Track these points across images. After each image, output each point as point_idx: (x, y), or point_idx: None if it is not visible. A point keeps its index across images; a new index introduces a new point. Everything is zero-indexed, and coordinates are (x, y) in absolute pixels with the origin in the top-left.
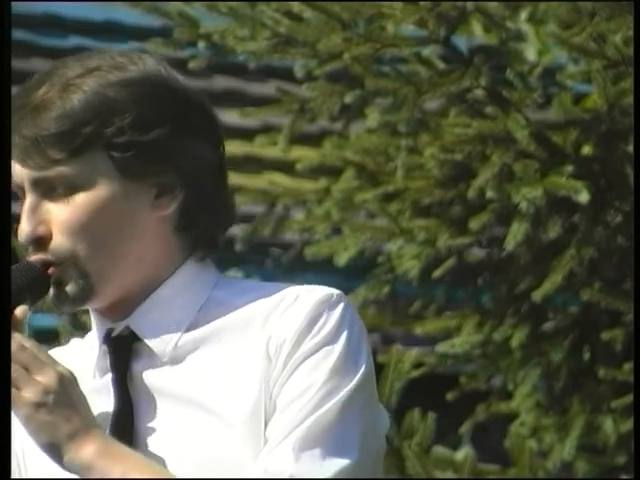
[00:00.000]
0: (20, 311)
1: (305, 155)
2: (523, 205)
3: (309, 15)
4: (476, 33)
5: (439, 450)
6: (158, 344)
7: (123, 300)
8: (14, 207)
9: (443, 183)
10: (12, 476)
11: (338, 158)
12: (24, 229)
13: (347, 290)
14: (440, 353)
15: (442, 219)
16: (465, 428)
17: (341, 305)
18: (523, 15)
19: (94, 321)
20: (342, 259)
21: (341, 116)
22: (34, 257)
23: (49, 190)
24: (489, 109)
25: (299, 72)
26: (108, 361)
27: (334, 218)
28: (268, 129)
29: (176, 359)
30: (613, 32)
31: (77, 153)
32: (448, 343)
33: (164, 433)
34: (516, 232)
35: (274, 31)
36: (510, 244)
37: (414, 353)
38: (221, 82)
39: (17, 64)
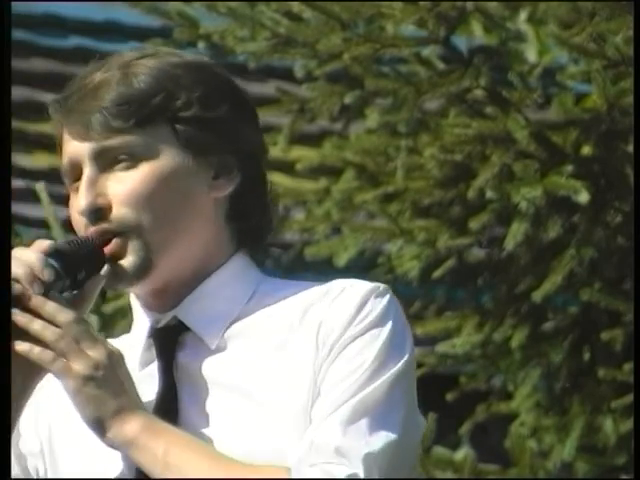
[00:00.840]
0: (92, 283)
1: (305, 155)
2: (523, 205)
3: (309, 15)
4: (476, 33)
5: (439, 450)
6: (206, 334)
7: (171, 287)
8: (14, 207)
9: (443, 183)
10: (32, 463)
11: (338, 158)
12: (83, 201)
13: None
14: (440, 353)
15: (442, 219)
16: (465, 428)
17: (387, 295)
18: (523, 15)
19: (138, 316)
20: (342, 259)
21: (341, 116)
22: (92, 229)
23: (110, 162)
24: (489, 109)
25: (299, 72)
26: (153, 352)
27: (334, 218)
28: (268, 129)
29: (223, 349)
30: (613, 32)
31: (142, 124)
32: (448, 343)
33: (210, 421)
34: (516, 232)
35: (274, 31)
36: (510, 244)
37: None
38: None
39: (17, 64)
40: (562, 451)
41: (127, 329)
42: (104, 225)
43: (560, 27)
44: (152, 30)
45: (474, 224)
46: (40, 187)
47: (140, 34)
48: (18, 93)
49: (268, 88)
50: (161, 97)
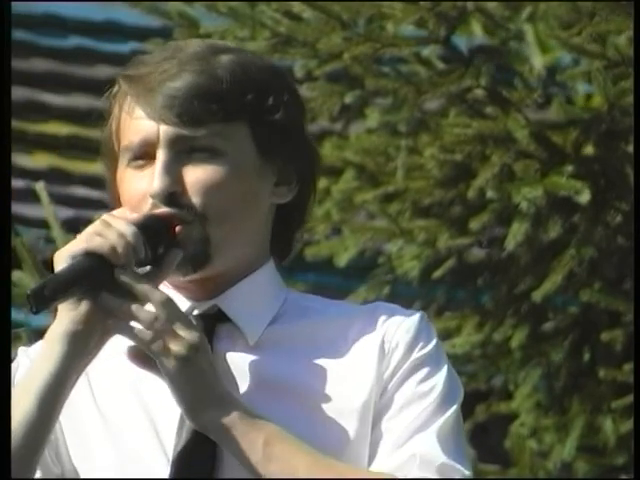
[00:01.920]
0: (170, 258)
1: None
2: (523, 205)
3: (309, 15)
4: (476, 33)
5: None
6: (247, 328)
7: (216, 279)
8: (14, 207)
9: (443, 183)
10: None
11: (338, 158)
12: (159, 184)
13: (347, 291)
14: None
15: (442, 219)
16: (465, 428)
17: (430, 324)
18: (523, 15)
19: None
20: (342, 260)
21: (341, 116)
22: (162, 210)
23: (187, 150)
24: (489, 109)
25: (299, 72)
26: None
27: (334, 218)
28: None
29: (263, 345)
30: (613, 32)
31: (226, 119)
32: (448, 343)
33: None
34: (516, 232)
35: (274, 31)
36: (510, 244)
37: None
38: None
39: (17, 64)
40: (562, 451)
41: None
42: (175, 211)
43: (560, 27)
44: (152, 30)
45: (474, 224)
46: (40, 187)
47: (140, 34)
48: (18, 93)
49: None
50: (251, 96)
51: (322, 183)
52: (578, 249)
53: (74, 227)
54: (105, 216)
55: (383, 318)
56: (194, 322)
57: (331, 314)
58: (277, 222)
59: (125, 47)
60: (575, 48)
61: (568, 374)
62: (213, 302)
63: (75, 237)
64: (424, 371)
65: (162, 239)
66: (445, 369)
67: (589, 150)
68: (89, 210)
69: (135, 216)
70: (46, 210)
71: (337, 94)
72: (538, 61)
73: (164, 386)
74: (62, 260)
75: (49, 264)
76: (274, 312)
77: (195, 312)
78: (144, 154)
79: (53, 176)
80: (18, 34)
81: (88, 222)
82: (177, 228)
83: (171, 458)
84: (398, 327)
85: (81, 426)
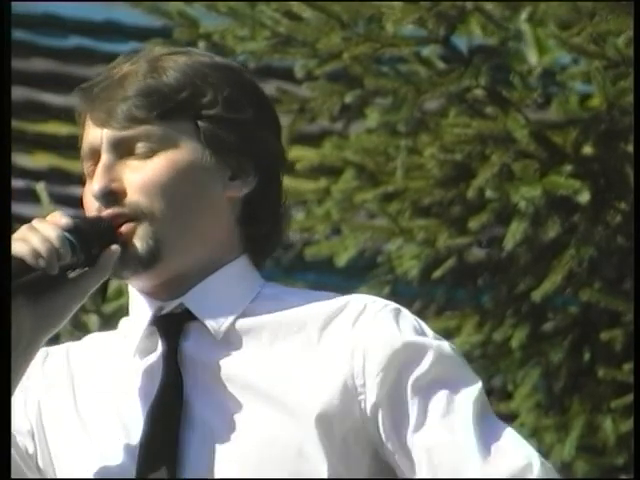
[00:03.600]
0: (106, 257)
1: (305, 155)
2: (522, 205)
3: (309, 15)
4: (476, 33)
5: None
6: (213, 324)
7: (177, 279)
8: (14, 207)
9: (443, 183)
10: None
11: (338, 158)
12: (97, 185)
13: (347, 290)
14: None
15: (442, 219)
16: None
17: (400, 314)
18: (523, 15)
19: (137, 303)
20: (342, 259)
21: (341, 116)
22: (107, 212)
23: (128, 151)
24: (489, 109)
25: (299, 72)
26: (154, 341)
27: (334, 218)
28: None
29: (229, 342)
30: (613, 32)
31: (165, 117)
32: None
33: (217, 414)
34: (515, 232)
35: (274, 31)
36: (509, 244)
37: None
38: None
39: (17, 64)
40: (562, 451)
41: None
42: (118, 210)
43: (560, 27)
44: (152, 30)
45: (474, 224)
46: (40, 187)
47: (140, 34)
48: (18, 93)
49: (268, 88)
50: (187, 93)
51: (322, 183)
52: (578, 249)
53: None
54: (34, 221)
55: (354, 314)
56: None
57: (304, 305)
58: (244, 218)
59: (125, 47)
60: (575, 48)
61: (568, 374)
62: (179, 301)
63: None
64: (428, 373)
65: (98, 240)
66: (443, 354)
67: (588, 150)
68: None
69: (66, 220)
70: (46, 210)
71: (337, 94)
72: (537, 61)
73: (137, 396)
74: None
75: None
76: (243, 306)
77: (163, 312)
78: (95, 161)
79: (53, 176)
80: (18, 34)
81: None
82: (123, 227)
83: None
84: (374, 334)
85: (62, 432)
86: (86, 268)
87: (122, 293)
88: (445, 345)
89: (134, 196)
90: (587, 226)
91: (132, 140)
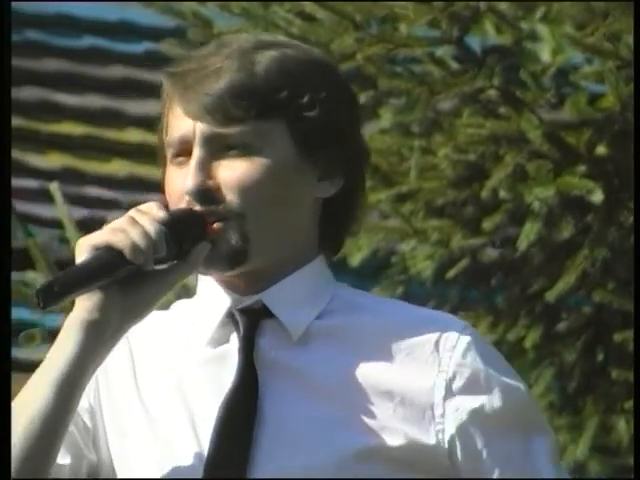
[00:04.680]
0: (197, 251)
1: None
2: (536, 205)
3: (322, 15)
4: (489, 33)
5: None
6: (290, 323)
7: (258, 274)
8: (28, 207)
9: (456, 183)
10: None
11: None
12: (192, 181)
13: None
14: None
15: (455, 219)
16: None
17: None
18: (536, 15)
19: (211, 292)
20: (355, 259)
21: None
22: (199, 209)
23: (222, 148)
24: (502, 109)
25: None
26: (227, 333)
27: None
28: None
29: (305, 342)
30: (626, 32)
31: (261, 116)
32: None
33: (287, 411)
34: (529, 232)
35: (287, 31)
36: (523, 244)
37: None
38: None
39: (30, 64)
40: (575, 451)
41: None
42: (211, 208)
43: (574, 27)
44: (166, 30)
45: (487, 224)
46: (54, 187)
47: (154, 34)
48: (31, 93)
49: None
50: (286, 93)
51: None
52: (591, 249)
53: (88, 227)
54: (132, 211)
55: (436, 334)
56: (238, 317)
57: (382, 312)
58: (325, 218)
59: (139, 47)
60: (588, 48)
61: (581, 374)
62: (257, 297)
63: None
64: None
65: (190, 235)
66: (524, 397)
67: (602, 150)
68: (103, 210)
69: (162, 213)
70: (60, 210)
71: None
72: (551, 61)
73: (205, 386)
74: (83, 249)
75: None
76: (320, 308)
77: (239, 307)
78: (183, 151)
79: (67, 176)
80: (31, 34)
81: (102, 222)
82: (214, 225)
83: (205, 454)
84: (454, 360)
85: (121, 414)
86: (175, 262)
87: None
88: (524, 388)
89: (228, 196)
90: (601, 226)
91: (227, 137)
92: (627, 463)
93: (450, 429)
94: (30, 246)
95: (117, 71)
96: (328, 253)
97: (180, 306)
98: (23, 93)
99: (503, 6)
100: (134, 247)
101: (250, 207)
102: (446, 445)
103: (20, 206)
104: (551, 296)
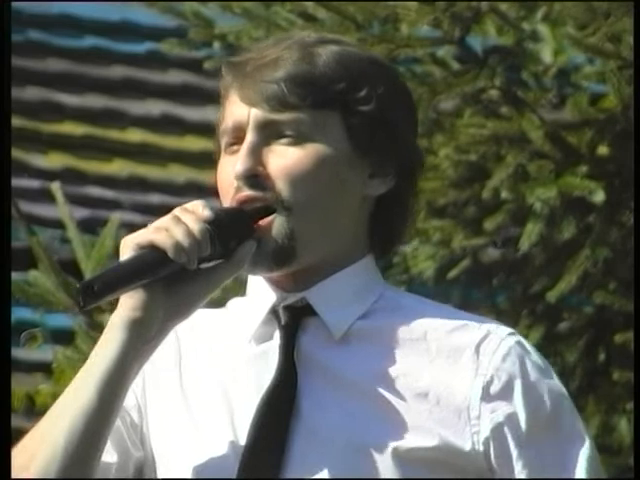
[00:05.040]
0: (243, 250)
1: None
2: (537, 205)
3: (323, 16)
4: (491, 33)
5: None
6: (333, 322)
7: (304, 272)
8: (30, 207)
9: (458, 184)
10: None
11: None
12: (242, 166)
13: None
14: None
15: (457, 220)
16: None
17: (524, 347)
18: (538, 15)
19: (258, 289)
20: None
21: None
22: (244, 195)
23: (275, 135)
24: (504, 109)
25: None
26: (271, 330)
27: None
28: None
29: (347, 342)
30: (628, 32)
31: (316, 106)
32: None
33: (324, 410)
34: (531, 232)
35: (288, 32)
36: (524, 244)
37: None
38: None
39: (32, 64)
40: None
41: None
42: (258, 193)
43: (575, 27)
44: (167, 30)
45: (489, 224)
46: (55, 187)
47: (155, 34)
48: (33, 93)
49: None
50: (343, 85)
51: None
52: (593, 249)
53: (89, 227)
54: (177, 210)
55: (477, 339)
56: (281, 314)
57: (426, 314)
58: (376, 216)
59: (140, 47)
60: (590, 48)
61: (583, 374)
62: (302, 295)
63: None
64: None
65: (236, 234)
66: (563, 402)
67: (604, 150)
68: (104, 210)
69: (208, 212)
70: (61, 210)
71: None
72: (552, 61)
73: (247, 383)
74: (128, 248)
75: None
76: (365, 308)
77: (285, 303)
78: (237, 139)
79: (68, 176)
80: (34, 34)
81: (103, 222)
82: (261, 222)
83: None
84: (493, 364)
85: (165, 409)
86: (221, 260)
87: None
88: (565, 393)
89: (277, 183)
90: (602, 227)
91: (280, 124)
92: (628, 463)
93: (485, 431)
94: (33, 246)
95: (119, 71)
96: (378, 253)
97: (233, 303)
98: (25, 93)
99: (504, 6)
100: (177, 246)
101: (298, 197)
102: (481, 447)
103: (22, 206)
104: (552, 296)
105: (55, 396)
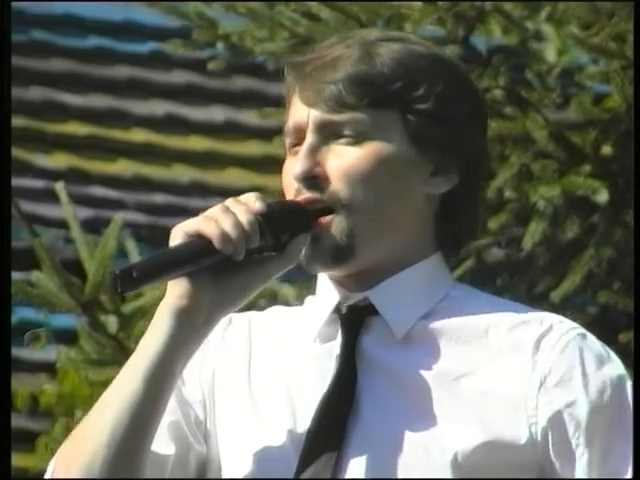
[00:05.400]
0: (296, 244)
1: None
2: (541, 205)
3: (327, 15)
4: (495, 33)
5: None
6: (395, 322)
7: (366, 272)
8: (33, 207)
9: None
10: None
11: None
12: (300, 167)
13: None
14: None
15: None
16: None
17: (590, 344)
18: (542, 15)
19: (324, 288)
20: None
21: None
22: (304, 197)
23: (334, 135)
24: (508, 109)
25: None
26: (335, 329)
27: None
28: None
29: (409, 342)
30: (632, 32)
31: (375, 105)
32: None
33: (382, 411)
34: (534, 232)
35: (292, 32)
36: (528, 244)
37: None
38: (240, 83)
39: (36, 64)
40: None
41: (147, 329)
42: (317, 195)
43: (579, 27)
44: (171, 30)
45: (493, 224)
46: (59, 187)
47: (159, 34)
48: (37, 93)
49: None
50: (400, 84)
51: None
52: (597, 249)
53: (93, 227)
54: (229, 200)
55: (538, 333)
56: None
57: (488, 312)
58: (442, 214)
59: (144, 47)
60: (594, 48)
61: None
62: (365, 294)
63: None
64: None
65: (290, 227)
66: (623, 395)
67: (607, 150)
68: (108, 210)
69: (260, 204)
70: (65, 210)
71: None
72: (556, 61)
73: (310, 383)
74: (177, 236)
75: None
76: (428, 307)
77: (348, 302)
78: (299, 139)
79: (72, 176)
80: (37, 34)
81: (107, 222)
82: (320, 219)
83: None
84: (553, 357)
85: (232, 405)
86: (273, 253)
87: (141, 294)
88: (627, 393)
89: (336, 184)
90: (606, 226)
91: (339, 125)
92: None
93: (542, 421)
94: (35, 246)
95: (122, 71)
96: (447, 251)
97: (308, 301)
98: (29, 93)
99: (508, 6)
100: (224, 237)
101: (357, 198)
102: (539, 438)
103: (25, 206)
104: (556, 296)
105: (59, 396)
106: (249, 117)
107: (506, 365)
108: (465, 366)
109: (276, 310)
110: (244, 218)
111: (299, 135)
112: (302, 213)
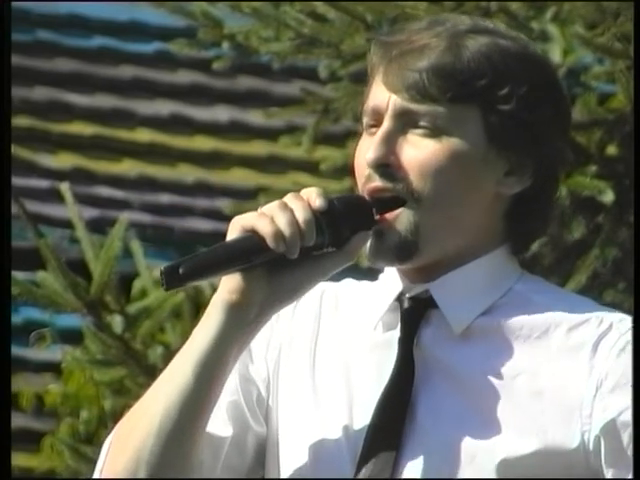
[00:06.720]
0: (357, 240)
1: (329, 155)
2: None
3: (333, 16)
4: None
5: None
6: (454, 317)
7: (430, 265)
8: (38, 207)
9: None
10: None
11: None
12: (374, 153)
13: None
14: None
15: None
16: None
17: None
18: (547, 15)
19: (389, 277)
20: (366, 260)
21: None
22: (376, 184)
23: (412, 124)
24: None
25: (323, 72)
26: (396, 318)
27: None
28: (292, 129)
29: (467, 338)
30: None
31: (456, 100)
32: None
33: (435, 408)
34: None
35: (298, 32)
36: (534, 244)
37: None
38: (245, 82)
39: (41, 64)
40: None
41: (152, 329)
42: (388, 184)
43: (584, 27)
44: (176, 30)
45: None
46: (64, 187)
47: (164, 34)
48: (42, 93)
49: (292, 88)
50: (485, 81)
51: (346, 183)
52: (602, 249)
53: (98, 227)
54: (288, 196)
55: (598, 333)
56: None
57: (550, 309)
58: (512, 214)
59: (149, 47)
60: (599, 48)
61: None
62: (426, 286)
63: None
64: None
65: (351, 223)
66: None
67: (613, 150)
68: (113, 210)
69: (320, 201)
70: (70, 210)
71: (361, 94)
72: (562, 61)
73: (368, 370)
74: (234, 229)
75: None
76: (489, 303)
77: (409, 293)
78: (376, 121)
79: (77, 176)
80: (42, 34)
81: (112, 222)
82: (388, 214)
83: (355, 440)
84: (610, 361)
85: (294, 386)
86: (333, 249)
87: (146, 293)
88: None
89: (410, 175)
90: (612, 226)
91: (418, 115)
92: None
93: (596, 429)
94: (41, 246)
95: (127, 71)
96: (516, 250)
97: (384, 276)
98: (34, 93)
99: (514, 6)
100: (277, 235)
101: (429, 190)
102: (590, 446)
103: (30, 206)
104: None
105: (64, 396)
106: (254, 117)
107: (564, 367)
108: (523, 366)
109: (349, 285)
110: (301, 216)
111: (377, 117)
112: (366, 209)
